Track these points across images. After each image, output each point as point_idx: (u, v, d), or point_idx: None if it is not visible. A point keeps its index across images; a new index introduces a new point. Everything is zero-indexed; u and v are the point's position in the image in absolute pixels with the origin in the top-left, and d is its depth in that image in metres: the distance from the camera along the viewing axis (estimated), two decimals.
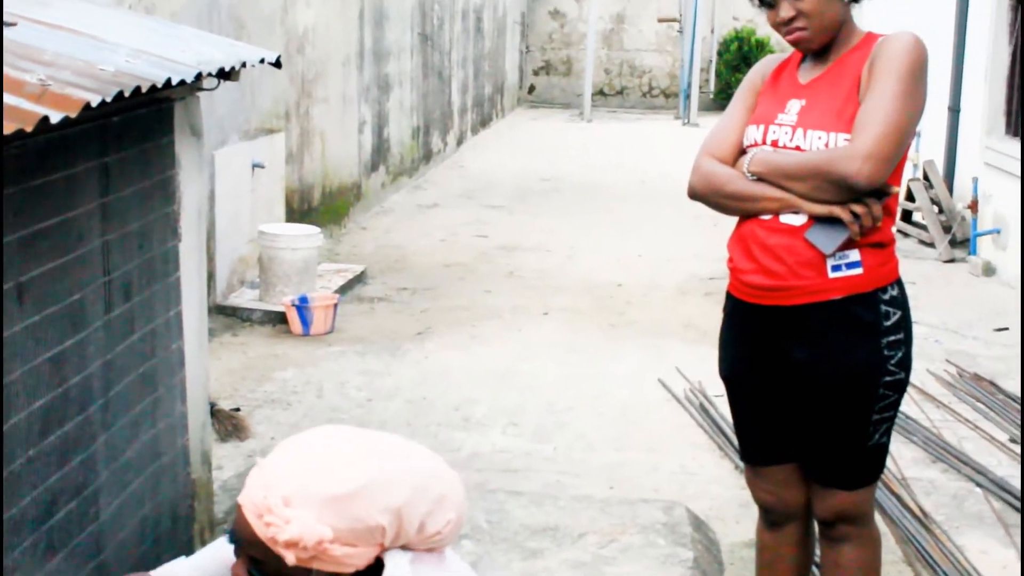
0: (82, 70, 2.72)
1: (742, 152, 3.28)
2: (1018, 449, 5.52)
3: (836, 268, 3.11)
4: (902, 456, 5.38)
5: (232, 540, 2.20)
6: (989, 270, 9.14)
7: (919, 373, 6.43)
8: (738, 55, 20.63)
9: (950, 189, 10.40)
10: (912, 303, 3.31)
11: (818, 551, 3.60)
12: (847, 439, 3.23)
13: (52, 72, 2.60)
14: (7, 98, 2.34)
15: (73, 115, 2.41)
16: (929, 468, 5.32)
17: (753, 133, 3.26)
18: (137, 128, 3.21)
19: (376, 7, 11.08)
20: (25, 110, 2.32)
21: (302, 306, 7.18)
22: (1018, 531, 4.70)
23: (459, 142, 15.70)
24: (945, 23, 10.55)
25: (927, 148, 10.87)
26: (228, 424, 5.51)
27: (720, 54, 21.06)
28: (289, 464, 2.15)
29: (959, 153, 10.46)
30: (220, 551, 2.50)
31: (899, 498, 4.89)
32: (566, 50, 21.95)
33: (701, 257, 9.28)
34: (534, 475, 5.21)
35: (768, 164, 3.16)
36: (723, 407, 5.54)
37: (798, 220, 3.13)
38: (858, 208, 3.06)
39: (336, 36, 9.94)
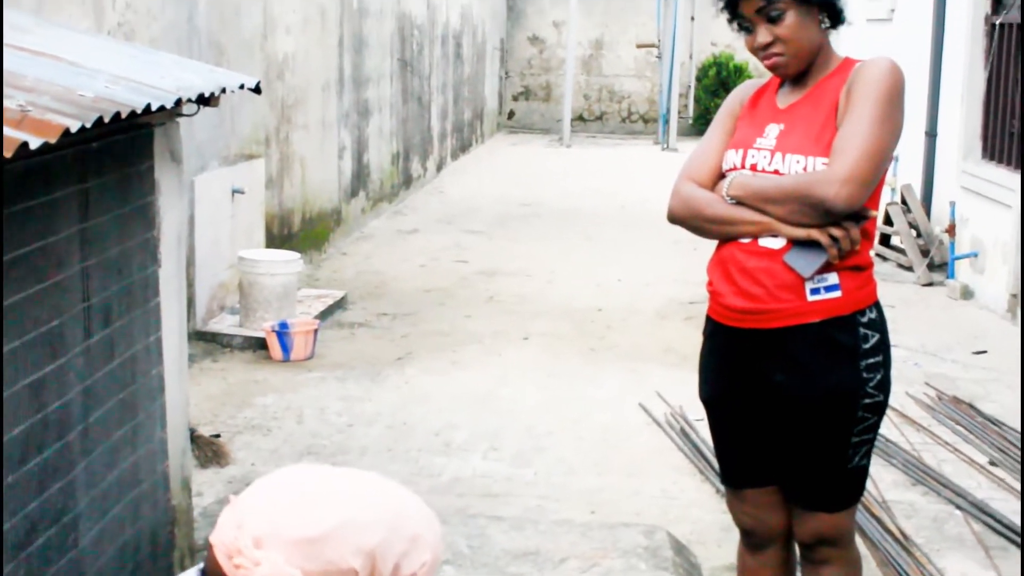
0: (62, 96, 2.72)
1: (721, 176, 3.30)
2: (997, 471, 5.54)
3: (815, 291, 3.12)
4: (882, 479, 5.39)
5: None
6: (967, 293, 9.19)
7: (898, 396, 6.45)
8: (717, 80, 20.75)
9: (928, 213, 10.45)
10: (891, 326, 3.33)
11: (799, 574, 3.60)
12: (827, 462, 3.24)
13: (32, 98, 2.60)
14: None
15: (53, 141, 2.41)
16: (909, 491, 5.33)
17: (732, 157, 3.27)
18: (117, 154, 3.21)
19: (356, 34, 11.11)
20: (5, 136, 2.32)
21: (282, 332, 7.17)
22: (998, 553, 4.71)
23: (439, 167, 15.73)
24: (922, 49, 10.63)
25: (905, 172, 10.93)
26: (208, 450, 5.50)
27: (699, 79, 21.18)
28: (261, 504, 2.09)
29: (936, 177, 10.53)
30: None
31: (880, 521, 4.90)
32: (545, 76, 22.03)
33: (681, 281, 9.30)
34: (515, 500, 5.21)
35: (747, 188, 3.18)
36: (704, 431, 5.55)
37: (777, 243, 3.14)
38: (836, 232, 3.08)
39: (316, 62, 9.96)
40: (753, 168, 3.20)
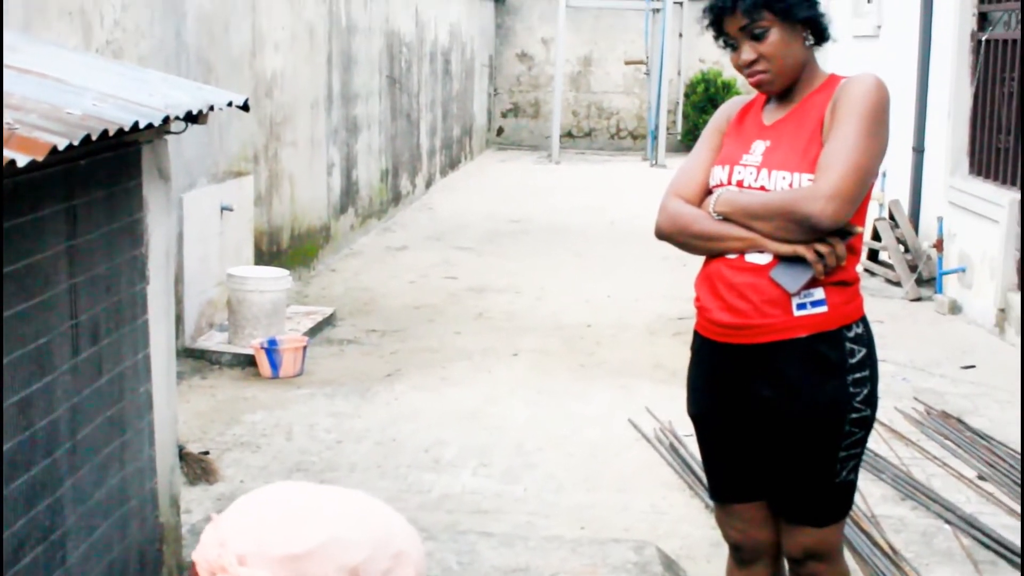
0: (49, 114, 2.73)
1: (708, 192, 3.31)
2: (986, 486, 5.55)
3: (801, 306, 3.14)
4: (871, 494, 5.40)
5: None
6: (955, 308, 9.21)
7: (887, 411, 6.46)
8: (705, 97, 20.81)
9: (916, 228, 10.49)
10: (879, 341, 3.34)
11: None
12: (815, 476, 3.25)
13: (19, 116, 2.61)
14: None
15: (40, 158, 2.42)
16: (898, 505, 5.33)
17: (719, 173, 3.29)
18: (104, 171, 3.21)
19: (344, 51, 11.13)
20: None
21: (271, 349, 7.16)
22: (987, 567, 4.72)
23: (428, 184, 15.74)
24: (908, 65, 10.67)
25: (893, 188, 10.97)
26: (197, 467, 5.49)
27: (687, 96, 21.24)
28: (244, 521, 2.10)
29: (924, 193, 10.56)
30: None
31: (869, 535, 4.90)
32: (534, 92, 22.08)
33: (670, 297, 9.31)
34: (504, 516, 5.21)
35: (733, 204, 3.19)
36: (693, 446, 5.55)
37: (763, 259, 3.15)
38: (822, 247, 3.09)
39: (304, 80, 9.97)
40: (739, 184, 3.22)
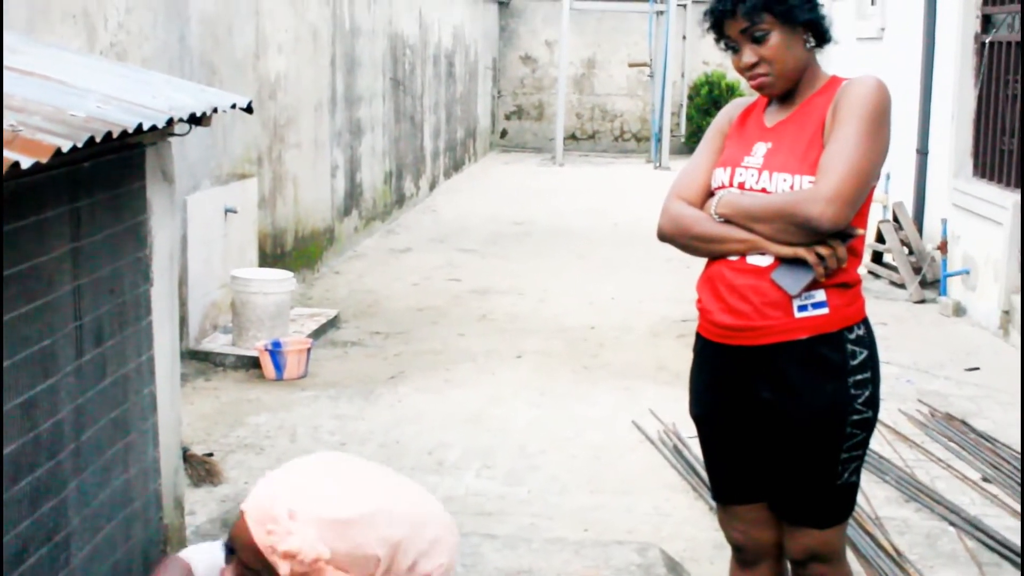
0: (53, 116, 2.73)
1: (710, 194, 3.32)
2: (990, 488, 5.55)
3: (802, 308, 3.14)
4: (875, 496, 5.40)
5: (227, 547, 2.21)
6: (959, 310, 9.21)
7: (891, 413, 6.46)
8: (708, 99, 20.81)
9: (920, 230, 10.48)
10: (883, 344, 3.34)
11: None
12: (816, 478, 3.25)
13: (23, 118, 2.61)
14: None
15: (44, 161, 2.42)
16: (902, 507, 5.33)
17: (720, 175, 3.29)
18: (108, 173, 3.22)
19: (348, 53, 11.14)
20: None
21: (275, 351, 7.17)
22: (991, 569, 4.71)
23: (432, 186, 15.75)
24: (912, 67, 10.67)
25: (897, 190, 10.96)
26: (201, 469, 5.49)
27: (691, 98, 21.24)
28: (299, 480, 2.17)
29: (928, 195, 10.56)
30: (215, 554, 2.50)
31: (873, 537, 4.90)
32: (538, 95, 22.09)
33: (673, 299, 9.31)
34: (508, 518, 5.21)
35: (734, 206, 3.20)
36: (697, 448, 5.54)
37: (764, 261, 3.16)
38: (823, 250, 3.10)
39: (308, 82, 9.99)
40: (741, 186, 3.23)
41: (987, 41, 9.37)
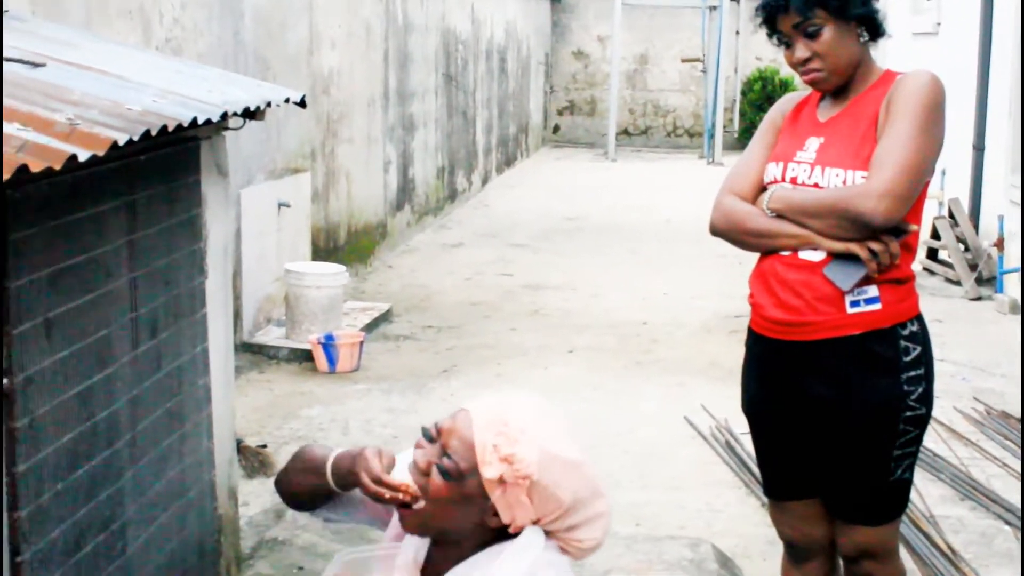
0: (110, 110, 2.77)
1: (763, 189, 3.31)
2: None
3: (854, 304, 3.12)
4: (930, 494, 5.35)
5: (426, 432, 2.32)
6: (1016, 308, 9.10)
7: (946, 411, 6.41)
8: (762, 94, 20.69)
9: (976, 227, 10.38)
10: (938, 341, 3.32)
11: None
12: (869, 475, 3.23)
13: (80, 111, 2.65)
14: (38, 137, 2.39)
15: (101, 153, 2.46)
16: (957, 506, 5.29)
17: (773, 170, 3.28)
18: (164, 167, 3.25)
19: (400, 49, 11.17)
20: (54, 149, 2.36)
21: (328, 344, 7.21)
22: None
23: (484, 181, 15.77)
24: (968, 62, 10.57)
25: (953, 186, 10.86)
26: (255, 461, 5.54)
27: (744, 93, 21.13)
28: (529, 409, 2.28)
29: (984, 191, 10.45)
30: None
31: (927, 536, 4.86)
32: (590, 90, 22.05)
33: (726, 295, 9.27)
34: None
35: (787, 201, 3.18)
36: (749, 444, 5.52)
37: (817, 256, 3.14)
38: (875, 245, 3.08)
39: (361, 77, 10.02)
40: (793, 181, 3.21)
41: None
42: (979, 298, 9.53)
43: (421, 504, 2.24)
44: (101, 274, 2.89)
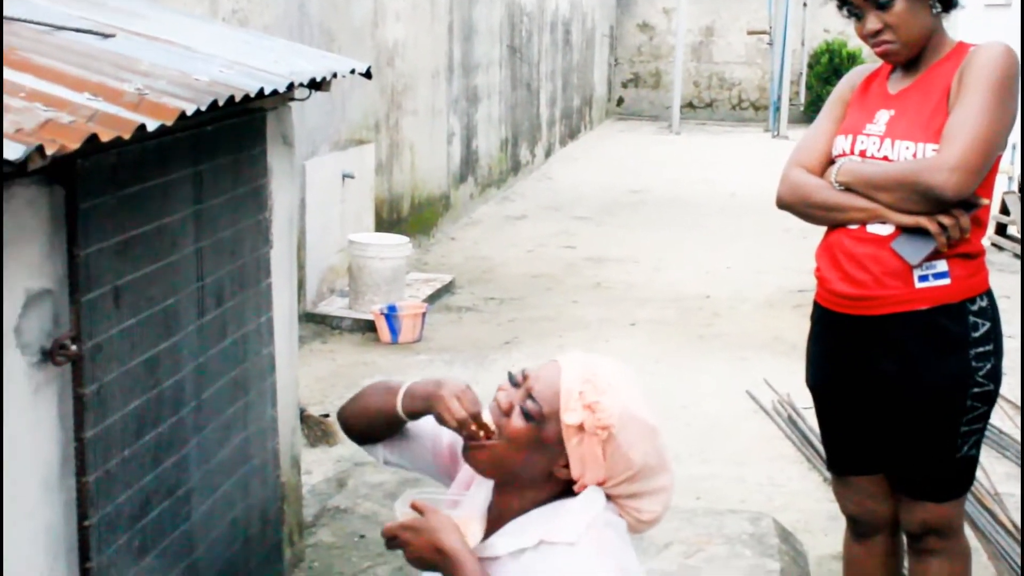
0: (177, 80, 2.78)
1: (831, 162, 3.27)
2: None
3: (923, 278, 3.09)
4: (995, 471, 5.30)
5: (512, 377, 2.37)
6: None
7: (1014, 388, 6.32)
8: (829, 67, 20.48)
9: None
10: (1007, 317, 3.28)
11: (907, 564, 3.56)
12: (935, 451, 3.20)
13: (149, 82, 2.67)
14: (107, 107, 2.41)
15: (169, 123, 2.47)
16: None
17: (841, 143, 3.25)
18: (230, 137, 3.27)
19: (465, 21, 11.15)
20: (123, 118, 2.38)
21: (391, 315, 7.24)
22: None
23: (547, 154, 15.74)
24: None
25: None
26: (317, 430, 5.58)
27: (810, 66, 20.91)
28: (617, 368, 2.34)
29: None
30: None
31: (992, 513, 4.82)
32: (655, 63, 21.92)
33: (790, 270, 9.21)
34: None
35: (855, 174, 3.15)
36: (811, 419, 5.50)
37: (885, 230, 3.11)
38: (945, 219, 3.04)
39: (425, 49, 10.03)
40: (862, 154, 3.18)
41: None
42: None
43: (495, 441, 2.28)
44: (168, 243, 2.91)
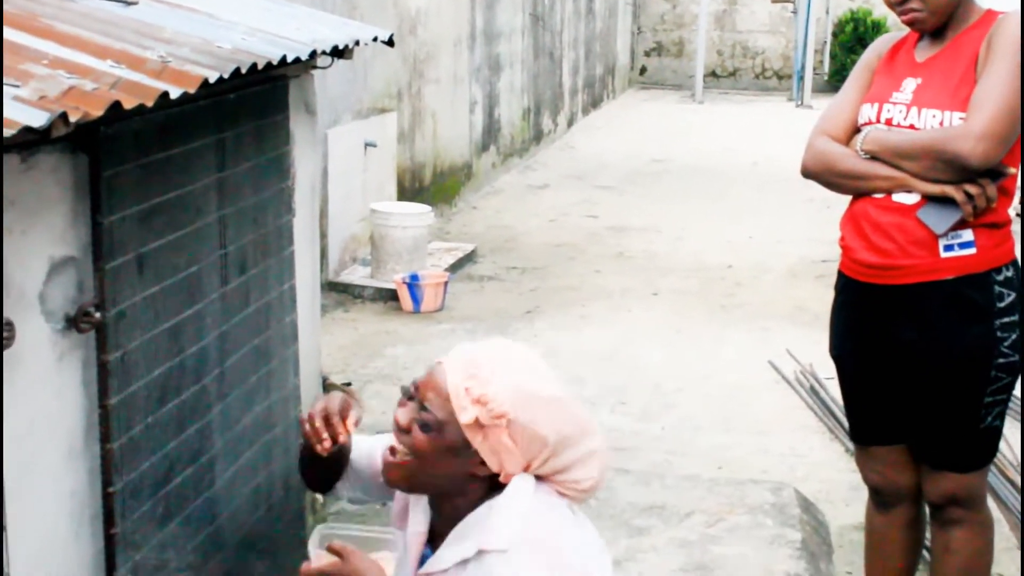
0: (200, 47, 2.78)
1: (857, 131, 3.25)
2: None
3: (948, 248, 3.07)
4: (1017, 442, 5.28)
5: (405, 391, 2.34)
6: None
7: None
8: (853, 36, 20.32)
9: None
10: None
11: (929, 534, 3.56)
12: (958, 421, 3.19)
13: (172, 49, 2.67)
14: (130, 74, 2.41)
15: (192, 91, 2.47)
16: None
17: (867, 111, 3.23)
18: (253, 105, 3.27)
19: None
20: (146, 86, 2.38)
21: (413, 284, 7.25)
22: None
23: (570, 123, 15.69)
24: None
25: None
26: None
27: (835, 35, 20.76)
28: (502, 349, 2.32)
29: None
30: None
31: (1014, 484, 4.80)
32: (678, 31, 21.80)
33: (813, 240, 9.17)
34: (641, 454, 5.22)
35: (881, 143, 3.13)
36: (834, 389, 5.49)
37: (910, 199, 3.09)
38: (971, 188, 3.02)
39: (448, 17, 9.99)
40: (888, 123, 3.16)
41: None
42: None
43: (403, 459, 2.27)
44: (191, 211, 2.91)
